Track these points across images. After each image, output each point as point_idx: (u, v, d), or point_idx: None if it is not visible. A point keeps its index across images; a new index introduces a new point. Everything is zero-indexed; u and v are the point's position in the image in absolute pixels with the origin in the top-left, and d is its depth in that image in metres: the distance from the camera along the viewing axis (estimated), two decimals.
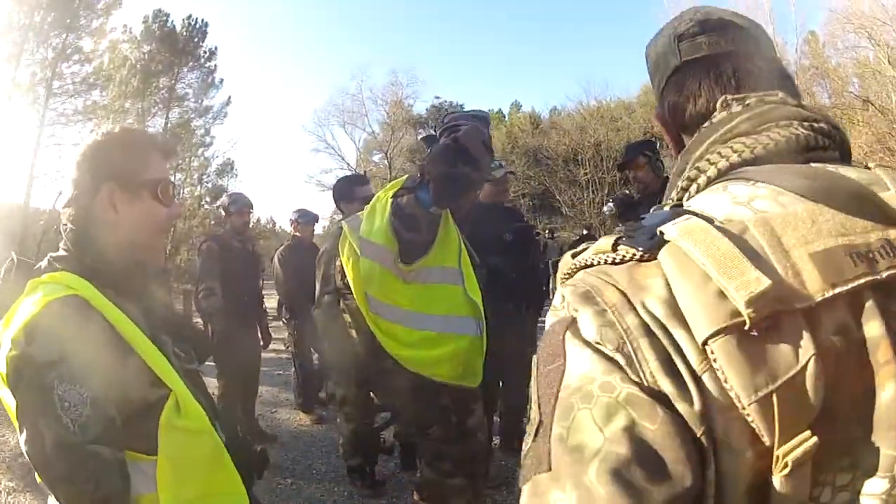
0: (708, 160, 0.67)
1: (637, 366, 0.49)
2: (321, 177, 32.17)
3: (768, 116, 0.67)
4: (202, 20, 25.52)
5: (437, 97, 34.84)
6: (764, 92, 0.71)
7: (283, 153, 63.69)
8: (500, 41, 58.45)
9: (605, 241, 0.58)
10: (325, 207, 26.22)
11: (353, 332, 2.45)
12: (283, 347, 6.65)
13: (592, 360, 0.50)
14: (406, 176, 2.27)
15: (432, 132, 2.48)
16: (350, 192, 3.50)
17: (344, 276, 2.38)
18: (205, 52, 25.59)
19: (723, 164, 0.65)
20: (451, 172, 1.95)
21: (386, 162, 31.17)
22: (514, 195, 29.42)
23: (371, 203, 2.27)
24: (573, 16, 54.87)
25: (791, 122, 0.66)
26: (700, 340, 0.48)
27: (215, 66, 25.83)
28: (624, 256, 0.56)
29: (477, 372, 2.22)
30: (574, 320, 0.53)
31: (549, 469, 0.48)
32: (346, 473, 3.73)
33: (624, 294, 0.52)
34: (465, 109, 2.30)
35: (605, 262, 0.57)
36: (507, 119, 36.81)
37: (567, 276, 0.61)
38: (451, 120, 2.06)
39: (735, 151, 0.65)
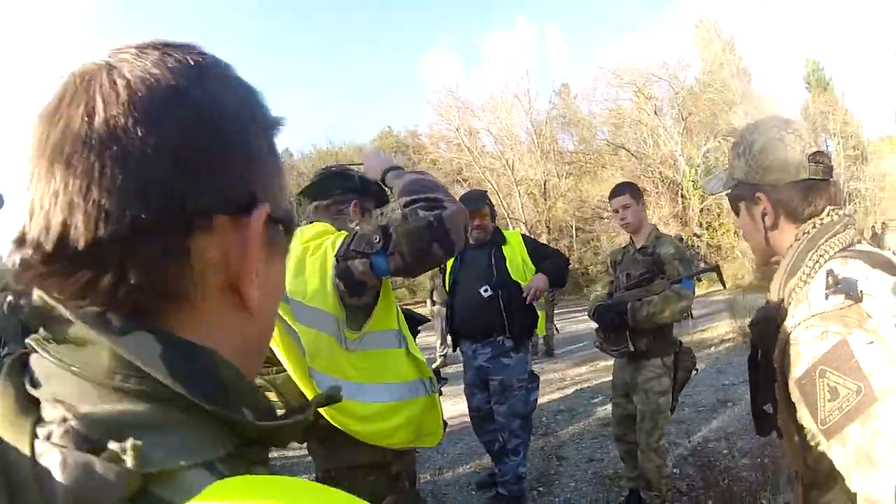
0: (830, 245, 1.21)
1: None
2: None
3: (845, 222, 1.23)
4: None
5: None
6: (836, 207, 1.26)
7: None
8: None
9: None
10: None
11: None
12: None
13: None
14: (345, 232, 1.94)
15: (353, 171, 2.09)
16: None
17: None
18: None
19: (837, 249, 1.20)
20: (425, 253, 1.73)
21: None
22: None
23: (296, 254, 1.90)
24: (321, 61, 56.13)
25: (848, 226, 1.24)
26: None
27: None
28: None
29: (434, 431, 2.06)
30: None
31: None
32: None
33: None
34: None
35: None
36: None
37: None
38: (430, 187, 1.83)
39: (840, 242, 1.21)
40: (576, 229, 26.77)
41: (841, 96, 30.55)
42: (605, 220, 23.94)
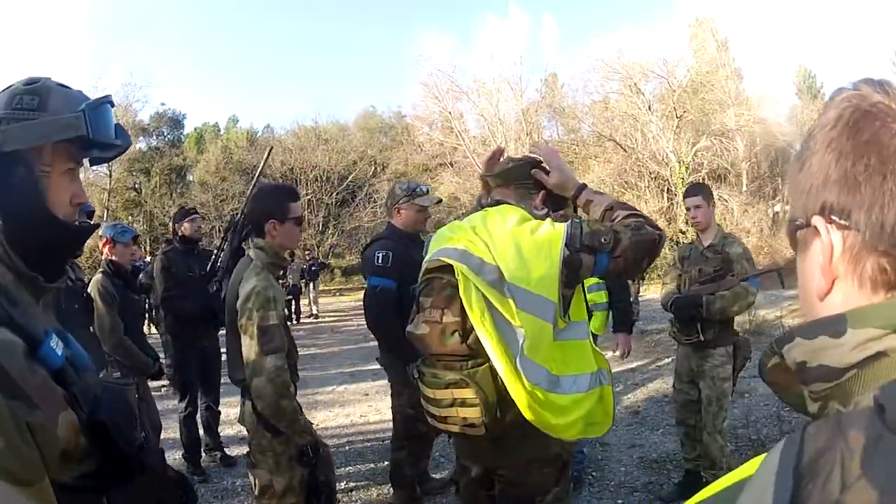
0: None
1: None
2: None
3: None
4: None
5: (163, 104, 32.43)
6: None
7: None
8: (229, 52, 57.55)
9: None
10: None
11: (471, 411, 1.84)
12: None
13: None
14: (550, 219, 1.95)
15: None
16: (283, 207, 2.65)
17: (466, 336, 1.84)
18: None
19: None
20: (639, 265, 1.91)
21: (107, 170, 27.73)
22: (229, 213, 28.50)
23: (508, 239, 1.85)
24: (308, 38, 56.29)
25: None
26: None
27: None
28: None
29: (601, 420, 1.98)
30: None
31: None
32: None
33: None
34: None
35: None
36: (223, 133, 35.76)
37: None
38: (635, 208, 1.97)
39: None
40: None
41: None
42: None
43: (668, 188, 23.01)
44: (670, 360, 7.81)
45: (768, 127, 24.47)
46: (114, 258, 4.07)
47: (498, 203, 2.04)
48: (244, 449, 4.84)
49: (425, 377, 1.94)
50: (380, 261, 3.41)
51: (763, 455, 0.49)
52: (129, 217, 28.30)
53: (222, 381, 4.59)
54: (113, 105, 1.18)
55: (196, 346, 4.54)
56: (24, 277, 1.06)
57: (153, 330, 7.84)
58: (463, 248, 1.89)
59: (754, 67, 26.67)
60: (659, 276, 9.05)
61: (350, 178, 30.49)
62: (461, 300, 1.81)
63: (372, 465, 4.61)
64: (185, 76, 54.53)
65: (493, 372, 1.79)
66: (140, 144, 30.92)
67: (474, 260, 1.84)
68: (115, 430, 1.06)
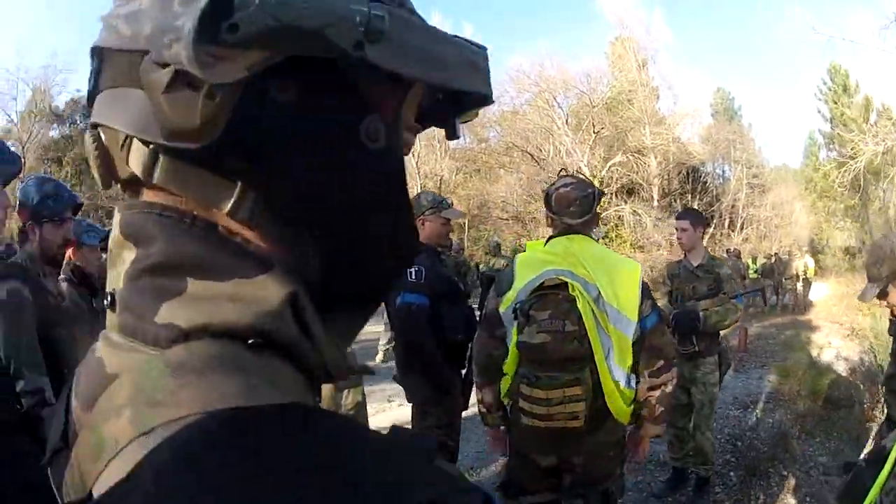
0: None
1: None
2: None
3: None
4: None
5: (79, 90, 29.31)
6: None
7: None
8: None
9: None
10: None
11: (576, 405, 2.23)
12: None
13: None
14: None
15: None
16: None
17: (582, 341, 2.24)
18: None
19: None
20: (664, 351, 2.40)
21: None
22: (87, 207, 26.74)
23: (598, 265, 2.29)
24: None
25: None
26: None
27: None
28: None
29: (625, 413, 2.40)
30: None
31: None
32: None
33: None
34: None
35: None
36: None
37: None
38: None
39: None
40: (468, 227, 27.52)
41: (748, 126, 32.84)
42: (499, 219, 25.15)
43: None
44: None
45: (683, 146, 25.83)
46: (78, 263, 3.25)
47: (569, 231, 2.41)
48: None
49: (541, 380, 2.25)
50: (413, 276, 3.14)
51: None
52: None
53: None
54: None
55: None
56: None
57: None
58: (569, 269, 2.28)
59: (673, 87, 27.90)
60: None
61: None
62: (579, 311, 2.21)
63: None
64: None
65: (591, 371, 2.23)
66: (53, 132, 28.62)
67: (580, 279, 2.25)
68: None
